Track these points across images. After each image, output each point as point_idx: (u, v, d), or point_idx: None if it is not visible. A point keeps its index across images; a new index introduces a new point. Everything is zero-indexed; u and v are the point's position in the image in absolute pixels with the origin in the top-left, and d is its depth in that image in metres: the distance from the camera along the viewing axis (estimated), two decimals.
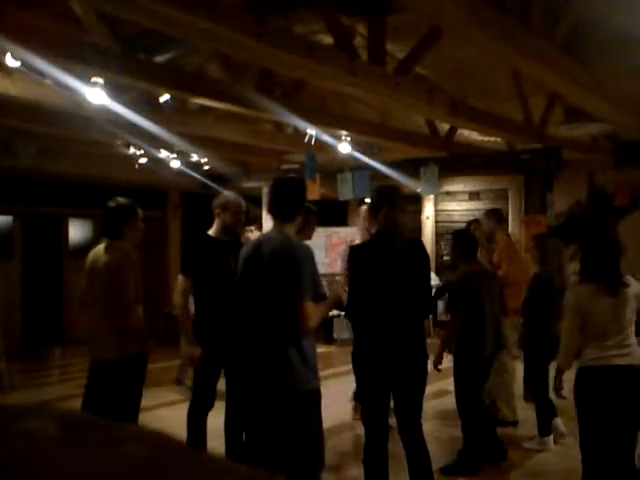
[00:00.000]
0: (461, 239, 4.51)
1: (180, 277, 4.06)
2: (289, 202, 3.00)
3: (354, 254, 3.47)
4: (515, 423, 5.26)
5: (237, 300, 3.05)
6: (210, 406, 4.04)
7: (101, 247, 3.74)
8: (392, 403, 3.49)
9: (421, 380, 3.38)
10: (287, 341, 2.84)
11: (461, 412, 4.38)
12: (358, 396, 3.50)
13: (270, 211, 3.03)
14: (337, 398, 5.99)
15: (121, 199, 3.77)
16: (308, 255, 2.91)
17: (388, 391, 3.39)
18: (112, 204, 3.73)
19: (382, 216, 3.33)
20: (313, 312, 2.85)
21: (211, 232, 4.07)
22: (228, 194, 4.19)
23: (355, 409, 5.23)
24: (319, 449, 3.00)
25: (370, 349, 3.34)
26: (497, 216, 5.89)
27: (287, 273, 2.82)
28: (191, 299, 4.16)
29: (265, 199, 9.79)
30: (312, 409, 2.93)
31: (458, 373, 4.35)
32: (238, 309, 3.04)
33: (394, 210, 3.34)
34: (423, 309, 3.49)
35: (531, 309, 4.77)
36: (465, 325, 4.23)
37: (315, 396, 2.95)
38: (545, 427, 4.80)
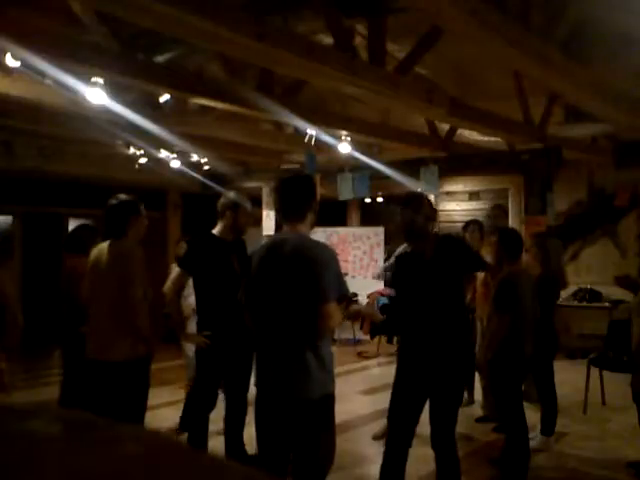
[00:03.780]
0: (507, 238, 4.29)
1: (177, 269, 4.04)
2: (298, 201, 2.89)
3: (397, 263, 3.54)
4: None
5: (250, 302, 2.95)
6: (212, 406, 4.04)
7: (104, 246, 3.69)
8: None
9: (460, 388, 3.40)
10: (306, 345, 2.74)
11: (503, 417, 4.24)
12: (391, 402, 3.46)
13: (279, 212, 2.95)
14: (337, 398, 5.99)
15: (122, 196, 3.71)
16: (332, 255, 2.84)
17: (424, 399, 3.37)
18: (113, 202, 3.68)
19: (411, 210, 3.34)
20: (336, 313, 2.76)
21: (215, 231, 4.06)
22: (235, 194, 4.18)
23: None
24: (331, 452, 2.95)
25: (412, 355, 3.36)
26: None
27: (311, 273, 2.71)
28: (190, 293, 4.16)
29: (266, 199, 9.81)
30: (328, 413, 2.87)
31: (498, 376, 4.10)
32: (252, 311, 2.95)
33: (417, 215, 3.34)
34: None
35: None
36: (509, 326, 4.01)
37: (331, 400, 2.88)
38: (549, 426, 4.80)
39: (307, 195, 2.92)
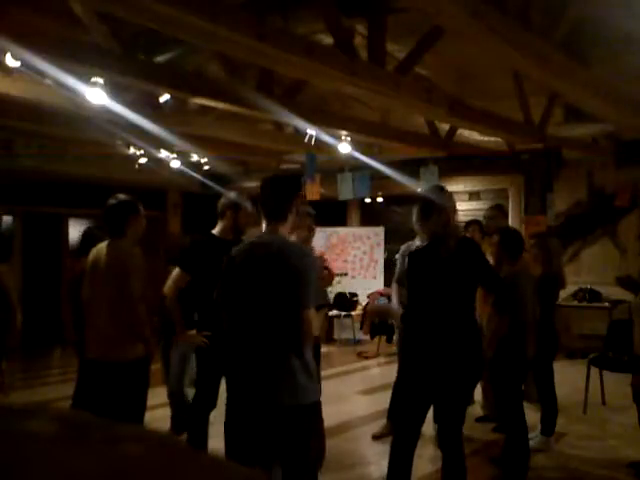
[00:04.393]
0: (508, 238, 4.29)
1: (177, 270, 4.03)
2: (278, 201, 2.80)
3: (412, 260, 3.46)
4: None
5: (227, 304, 2.86)
6: (212, 406, 4.04)
7: (103, 246, 3.69)
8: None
9: (470, 386, 3.38)
10: (291, 353, 2.65)
11: (503, 417, 4.24)
12: (397, 402, 3.43)
13: (260, 211, 2.88)
14: (337, 398, 5.99)
15: (121, 196, 3.70)
16: (312, 260, 2.77)
17: (431, 399, 3.36)
18: (112, 201, 3.68)
19: (434, 221, 3.31)
20: (316, 321, 2.68)
21: (215, 231, 4.06)
22: (236, 194, 4.18)
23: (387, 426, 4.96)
24: (319, 455, 2.91)
25: (420, 352, 3.33)
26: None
27: (292, 279, 2.64)
28: None
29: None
30: (315, 419, 2.79)
31: (498, 376, 4.09)
32: (229, 313, 2.86)
33: (445, 213, 3.32)
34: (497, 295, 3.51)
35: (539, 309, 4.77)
36: (509, 326, 4.00)
37: (318, 407, 2.82)
38: (549, 426, 4.80)
39: (289, 196, 2.83)
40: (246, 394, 2.76)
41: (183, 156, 8.10)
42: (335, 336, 9.90)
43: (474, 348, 3.33)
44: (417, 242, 4.45)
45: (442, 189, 3.58)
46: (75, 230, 10.24)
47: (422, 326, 3.34)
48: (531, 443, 4.42)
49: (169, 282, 4.00)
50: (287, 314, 2.65)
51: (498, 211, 5.75)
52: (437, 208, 3.34)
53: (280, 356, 2.67)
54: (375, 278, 10.19)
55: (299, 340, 2.65)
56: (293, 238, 4.74)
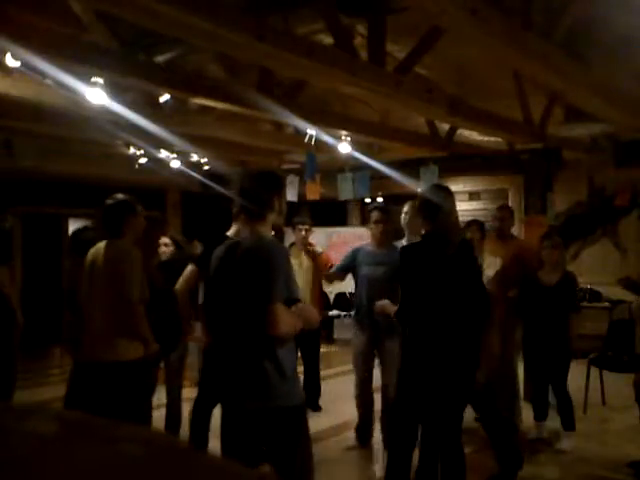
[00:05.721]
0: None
1: (190, 267, 4.05)
2: (258, 199, 2.71)
3: (406, 255, 3.42)
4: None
5: (207, 306, 2.83)
6: (215, 403, 4.03)
7: (101, 246, 3.68)
8: None
9: (467, 390, 3.36)
10: (262, 353, 2.58)
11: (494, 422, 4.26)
12: (393, 401, 3.41)
13: (239, 209, 2.82)
14: (337, 398, 5.99)
15: (119, 195, 3.68)
16: (282, 255, 2.68)
17: (429, 398, 3.34)
18: (109, 201, 3.66)
19: (441, 219, 3.31)
20: (285, 316, 2.56)
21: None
22: None
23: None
24: (307, 467, 2.82)
25: (418, 352, 3.30)
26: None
27: (259, 273, 2.57)
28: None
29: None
30: (296, 426, 2.68)
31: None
32: (210, 316, 2.83)
33: (449, 211, 3.33)
34: (478, 311, 3.38)
35: (563, 310, 4.77)
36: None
37: (298, 412, 2.69)
38: (569, 421, 4.82)
39: (268, 194, 2.74)
40: (222, 394, 2.74)
41: (183, 156, 8.09)
42: (335, 336, 9.89)
43: (472, 344, 3.33)
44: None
45: (444, 189, 3.56)
46: None
47: (419, 323, 3.31)
48: (561, 444, 4.59)
49: (181, 280, 4.01)
50: (255, 313, 2.57)
51: (506, 211, 5.69)
52: (443, 209, 3.33)
53: (251, 356, 2.61)
54: None
55: (271, 340, 2.58)
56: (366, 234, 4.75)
